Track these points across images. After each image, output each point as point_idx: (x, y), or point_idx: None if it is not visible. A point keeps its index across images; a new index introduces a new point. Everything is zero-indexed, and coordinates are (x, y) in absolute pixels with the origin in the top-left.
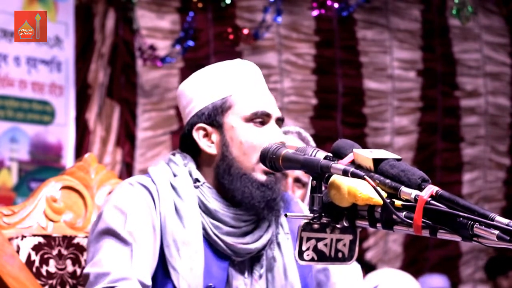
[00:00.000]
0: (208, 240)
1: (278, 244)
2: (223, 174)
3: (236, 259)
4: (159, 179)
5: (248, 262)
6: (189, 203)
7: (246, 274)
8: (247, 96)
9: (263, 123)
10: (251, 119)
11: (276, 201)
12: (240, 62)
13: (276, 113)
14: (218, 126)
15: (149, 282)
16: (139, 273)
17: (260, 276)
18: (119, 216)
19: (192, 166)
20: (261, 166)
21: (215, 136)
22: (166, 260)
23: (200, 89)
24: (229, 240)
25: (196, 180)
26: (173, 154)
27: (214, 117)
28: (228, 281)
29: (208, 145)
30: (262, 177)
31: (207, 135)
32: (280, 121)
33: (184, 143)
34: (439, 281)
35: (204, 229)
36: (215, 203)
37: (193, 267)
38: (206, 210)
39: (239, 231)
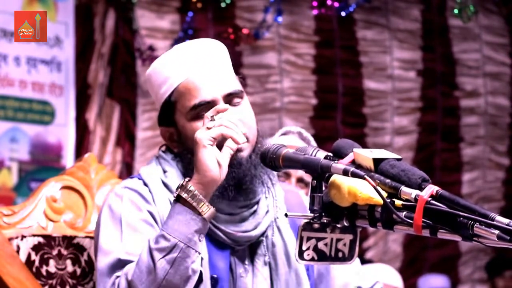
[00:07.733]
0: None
1: (278, 229)
2: (189, 167)
3: (237, 247)
4: (150, 179)
5: (248, 250)
6: None
7: (248, 262)
8: (186, 87)
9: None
10: (192, 114)
11: (246, 179)
12: (187, 45)
13: (220, 92)
14: (174, 125)
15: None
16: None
17: (264, 264)
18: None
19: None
20: None
21: (176, 135)
22: None
23: (155, 84)
24: (228, 229)
25: (186, 174)
26: (163, 148)
27: (168, 117)
28: (231, 270)
29: (174, 146)
30: None
31: (171, 135)
32: (234, 96)
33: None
34: (440, 281)
35: None
36: None
37: None
38: None
39: (236, 218)
